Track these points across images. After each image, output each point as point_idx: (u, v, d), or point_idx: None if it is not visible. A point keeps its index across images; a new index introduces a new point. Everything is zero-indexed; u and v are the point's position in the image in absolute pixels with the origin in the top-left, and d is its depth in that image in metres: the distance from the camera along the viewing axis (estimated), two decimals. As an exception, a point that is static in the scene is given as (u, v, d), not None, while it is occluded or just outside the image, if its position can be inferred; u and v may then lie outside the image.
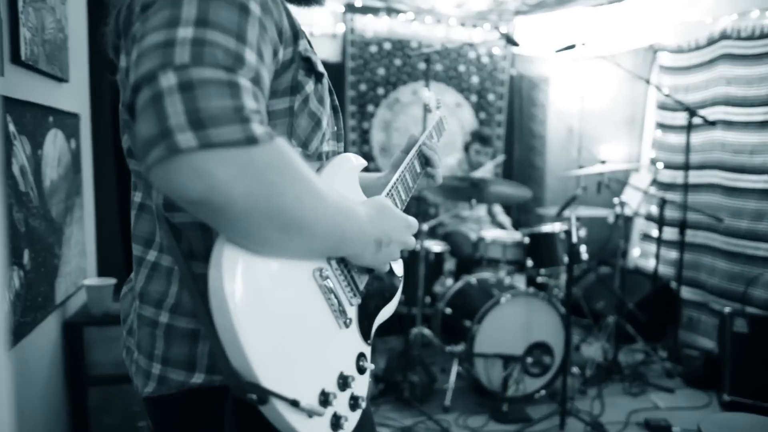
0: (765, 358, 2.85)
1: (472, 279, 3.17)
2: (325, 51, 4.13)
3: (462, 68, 4.39)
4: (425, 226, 3.02)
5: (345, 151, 1.00)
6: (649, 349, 3.60)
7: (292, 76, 0.76)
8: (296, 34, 0.77)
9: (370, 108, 4.24)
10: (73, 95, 2.10)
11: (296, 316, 0.71)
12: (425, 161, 1.13)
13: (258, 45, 0.65)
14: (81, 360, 2.09)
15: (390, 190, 0.99)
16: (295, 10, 0.96)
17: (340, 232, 0.73)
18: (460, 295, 3.15)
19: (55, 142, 1.74)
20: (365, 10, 4.09)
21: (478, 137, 3.69)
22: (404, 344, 2.86)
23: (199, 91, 0.57)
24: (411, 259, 3.04)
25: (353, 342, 0.83)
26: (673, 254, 3.99)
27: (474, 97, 4.45)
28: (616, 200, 3.52)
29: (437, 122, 1.28)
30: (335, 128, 0.93)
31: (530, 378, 2.92)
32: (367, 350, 0.86)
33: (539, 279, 3.35)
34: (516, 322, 2.91)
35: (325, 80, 0.86)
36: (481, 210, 3.86)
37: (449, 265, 3.54)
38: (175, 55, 0.59)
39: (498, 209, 4.01)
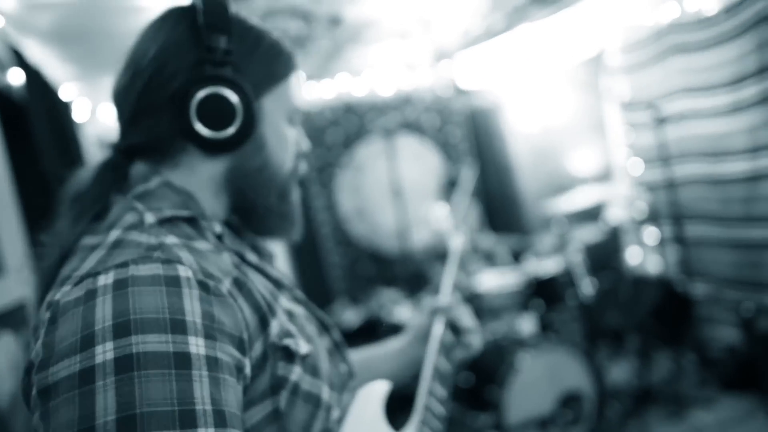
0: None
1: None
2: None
3: (414, 115, 4.29)
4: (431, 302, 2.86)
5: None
6: (674, 359, 3.46)
7: (269, 374, 0.60)
8: (263, 318, 0.60)
9: (333, 173, 4.10)
10: (13, 281, 1.86)
11: None
12: (455, 329, 0.96)
13: (215, 400, 0.50)
14: None
15: (421, 421, 0.80)
16: None
17: None
18: (473, 360, 2.97)
19: (7, 350, 1.52)
20: (307, 78, 3.98)
21: (451, 185, 3.55)
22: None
23: None
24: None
25: None
26: (671, 253, 3.89)
27: (435, 140, 4.34)
28: (601, 222, 3.41)
29: (461, 257, 1.10)
30: (343, 373, 0.77)
31: (570, 429, 2.75)
32: None
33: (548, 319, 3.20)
34: (540, 377, 2.74)
35: (317, 341, 0.69)
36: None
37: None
38: None
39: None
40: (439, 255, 3.04)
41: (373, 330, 3.53)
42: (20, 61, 2.18)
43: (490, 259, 3.81)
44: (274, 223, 0.75)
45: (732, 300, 3.52)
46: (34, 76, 2.20)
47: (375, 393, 0.77)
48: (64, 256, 0.58)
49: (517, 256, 4.19)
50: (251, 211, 0.73)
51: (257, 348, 0.58)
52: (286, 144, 0.73)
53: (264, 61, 0.69)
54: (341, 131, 4.12)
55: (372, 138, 4.17)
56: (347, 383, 0.77)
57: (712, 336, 3.76)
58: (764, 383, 2.83)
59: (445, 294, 1.01)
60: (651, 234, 3.50)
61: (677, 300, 3.76)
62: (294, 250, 4.06)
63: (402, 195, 4.27)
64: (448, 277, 1.05)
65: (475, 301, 3.25)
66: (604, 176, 4.35)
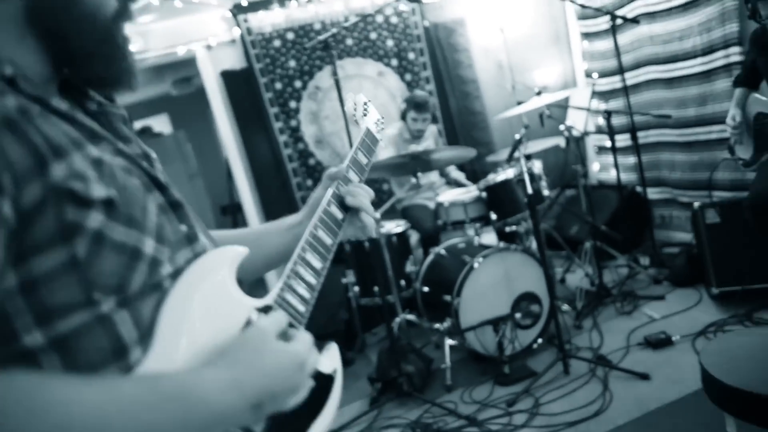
0: (741, 242, 2.83)
1: (441, 250, 3.08)
2: (227, 60, 3.91)
3: (373, 35, 4.20)
4: (377, 214, 2.89)
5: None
6: (630, 261, 3.58)
7: (54, 219, 0.57)
8: (41, 160, 0.57)
9: (293, 104, 4.05)
10: None
11: None
12: (346, 208, 0.94)
13: None
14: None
15: (285, 284, 0.78)
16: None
17: None
18: (434, 270, 3.06)
19: None
20: (255, 6, 3.86)
21: (413, 105, 3.51)
22: (389, 337, 2.78)
23: None
24: (372, 247, 2.93)
25: None
26: (631, 160, 3.94)
27: (395, 61, 4.28)
28: (561, 127, 3.43)
29: (363, 138, 1.06)
30: (180, 232, 0.73)
31: (524, 331, 2.87)
32: None
33: (507, 229, 3.26)
34: (496, 282, 2.83)
35: (135, 191, 0.67)
36: (432, 175, 3.74)
37: (415, 241, 3.44)
38: None
39: (450, 167, 3.88)
40: (404, 168, 3.01)
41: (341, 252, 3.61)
42: None
43: (451, 181, 3.86)
44: (101, 69, 0.71)
45: (686, 203, 3.61)
46: None
47: (226, 254, 0.74)
48: None
49: (480, 174, 4.24)
50: (71, 57, 0.69)
51: (31, 190, 0.56)
52: None
53: None
54: (297, 59, 4.04)
55: (329, 64, 4.09)
56: (187, 243, 0.74)
57: (668, 238, 3.88)
58: (710, 276, 2.94)
59: (342, 167, 0.98)
60: (610, 142, 3.53)
61: (635, 205, 3.85)
62: (260, 182, 4.08)
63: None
64: (350, 154, 1.03)
65: (435, 215, 3.31)
66: (566, 87, 4.34)
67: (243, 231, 1.05)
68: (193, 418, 0.58)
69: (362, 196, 0.95)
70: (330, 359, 0.83)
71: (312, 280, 0.82)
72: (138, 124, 5.83)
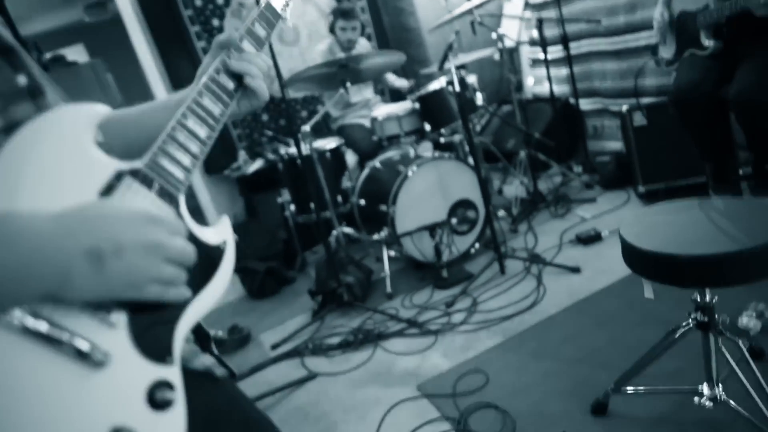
0: (666, 143, 2.92)
1: (377, 163, 3.04)
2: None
3: (299, -55, 3.94)
4: (307, 127, 2.80)
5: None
6: (564, 169, 3.66)
7: None
8: None
9: (215, 22, 3.80)
10: None
11: None
12: (237, 77, 0.85)
13: None
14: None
15: (160, 149, 0.70)
16: None
17: None
18: (369, 183, 3.03)
19: None
20: None
21: (339, 13, 3.37)
22: (326, 249, 2.75)
23: None
24: (305, 164, 2.85)
25: (131, 377, 0.59)
26: (564, 72, 3.96)
27: (324, -26, 4.06)
28: (494, 35, 3.38)
29: (262, 10, 0.95)
30: (14, 83, 0.63)
31: (461, 237, 2.91)
32: (174, 373, 0.61)
33: (443, 140, 3.24)
34: (431, 190, 2.83)
35: None
36: (367, 92, 3.64)
37: (351, 158, 3.37)
38: None
39: (392, 77, 3.77)
40: (333, 79, 2.88)
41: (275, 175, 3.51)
42: None
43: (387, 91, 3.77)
44: None
45: (617, 111, 3.69)
46: None
47: (81, 111, 0.65)
48: None
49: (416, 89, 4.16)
50: None
51: None
52: None
53: None
54: (218, -30, 3.77)
55: (253, -24, 3.84)
56: (27, 97, 0.65)
57: (600, 147, 3.97)
58: (637, 175, 3.04)
59: (234, 33, 0.88)
60: (543, 54, 3.51)
61: (569, 116, 3.91)
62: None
63: (291, 38, 4.07)
64: (245, 23, 0.92)
65: (371, 132, 3.24)
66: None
67: (125, 109, 0.93)
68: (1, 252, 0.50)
69: (252, 62, 0.86)
70: (219, 232, 0.76)
71: (194, 147, 0.75)
72: (49, 55, 5.36)
